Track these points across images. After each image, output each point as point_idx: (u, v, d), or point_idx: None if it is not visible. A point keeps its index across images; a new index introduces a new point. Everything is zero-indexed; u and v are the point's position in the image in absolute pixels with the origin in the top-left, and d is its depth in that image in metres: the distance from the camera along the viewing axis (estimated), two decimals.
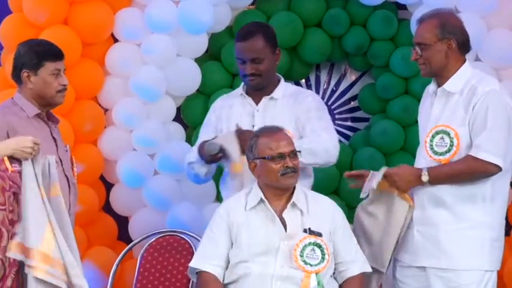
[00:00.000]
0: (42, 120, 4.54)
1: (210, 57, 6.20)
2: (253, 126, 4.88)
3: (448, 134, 4.42)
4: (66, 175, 4.55)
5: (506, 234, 5.87)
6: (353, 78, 6.43)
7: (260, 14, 6.16)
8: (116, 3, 5.90)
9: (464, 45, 4.50)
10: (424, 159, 4.50)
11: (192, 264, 4.47)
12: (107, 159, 5.89)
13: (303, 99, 4.97)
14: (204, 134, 5.05)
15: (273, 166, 4.40)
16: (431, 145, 4.46)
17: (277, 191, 4.44)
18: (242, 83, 5.03)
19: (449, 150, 4.42)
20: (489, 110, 4.36)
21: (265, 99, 4.95)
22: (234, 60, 5.95)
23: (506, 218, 5.84)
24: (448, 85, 4.48)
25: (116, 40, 5.95)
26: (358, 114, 6.45)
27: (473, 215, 4.39)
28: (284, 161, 4.39)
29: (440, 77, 4.49)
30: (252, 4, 6.20)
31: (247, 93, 4.98)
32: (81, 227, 5.56)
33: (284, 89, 5.02)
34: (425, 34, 4.47)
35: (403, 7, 6.14)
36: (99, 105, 5.96)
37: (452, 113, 4.45)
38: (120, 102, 5.89)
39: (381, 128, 6.14)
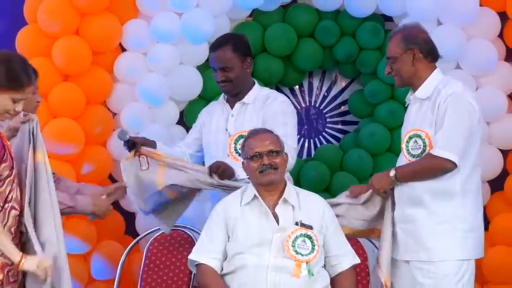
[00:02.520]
0: None
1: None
2: (226, 129, 4.94)
3: (420, 137, 4.47)
4: None
5: (485, 228, 5.91)
6: (343, 84, 6.44)
7: (257, 26, 6.17)
8: (123, 15, 5.89)
9: (430, 53, 4.52)
10: (403, 163, 4.56)
11: (191, 256, 4.49)
12: (116, 160, 5.87)
13: (271, 103, 4.95)
14: (191, 133, 5.18)
15: (252, 164, 4.42)
16: (407, 149, 4.51)
17: (266, 188, 4.44)
18: None
19: (423, 151, 4.47)
20: (448, 110, 4.40)
21: (238, 104, 4.98)
22: None
23: (485, 213, 5.91)
24: (419, 92, 4.53)
25: (123, 49, 5.96)
26: (348, 117, 6.46)
27: (445, 210, 4.42)
28: (261, 160, 4.40)
29: (413, 85, 4.54)
30: (250, 16, 6.21)
31: (227, 99, 5.03)
32: (91, 222, 5.56)
33: (257, 93, 5.02)
34: (392, 48, 4.54)
35: (390, 19, 6.16)
36: (108, 109, 5.95)
37: (423, 117, 4.50)
38: (127, 106, 5.89)
39: (369, 130, 6.16)
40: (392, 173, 4.50)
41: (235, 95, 4.96)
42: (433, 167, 4.41)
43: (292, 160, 4.78)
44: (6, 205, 3.94)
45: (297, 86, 6.41)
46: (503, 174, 6.03)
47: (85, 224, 5.68)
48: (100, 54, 5.86)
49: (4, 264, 3.91)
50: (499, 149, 6.02)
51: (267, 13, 6.15)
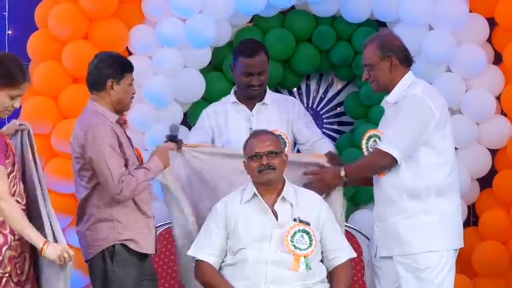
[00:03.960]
0: (119, 124, 4.47)
1: (213, 68, 6.22)
2: (250, 128, 4.93)
3: (379, 137, 4.50)
4: None
5: (474, 224, 5.95)
6: (339, 87, 6.46)
7: (257, 31, 6.19)
8: (130, 20, 5.91)
9: (405, 59, 4.51)
10: None
11: (189, 252, 4.51)
12: None
13: (291, 104, 5.12)
14: (195, 136, 5.11)
15: (251, 164, 4.44)
16: (366, 147, 4.54)
17: (265, 186, 4.45)
18: (232, 92, 5.09)
19: (374, 149, 4.48)
20: (402, 110, 4.41)
21: (258, 105, 5.03)
22: None
23: (474, 209, 5.93)
24: (389, 97, 4.52)
25: (130, 53, 5.96)
26: (343, 118, 6.48)
27: (410, 206, 4.41)
28: (261, 160, 4.41)
29: (388, 90, 4.52)
30: (250, 22, 6.22)
31: (239, 100, 5.05)
32: None
33: (271, 95, 5.12)
34: (369, 56, 4.51)
35: (384, 24, 6.19)
36: None
37: (385, 119, 4.56)
38: (133, 107, 5.77)
39: (363, 131, 6.12)
40: (342, 172, 4.55)
41: (254, 98, 5.02)
42: (377, 161, 4.44)
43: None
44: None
45: (295, 88, 6.43)
46: (492, 172, 6.04)
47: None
48: None
49: (11, 256, 3.92)
50: (488, 149, 6.03)
51: (267, 19, 6.16)
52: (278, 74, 6.18)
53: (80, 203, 4.42)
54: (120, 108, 4.47)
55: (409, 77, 4.51)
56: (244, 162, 4.52)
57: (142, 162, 4.50)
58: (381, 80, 4.51)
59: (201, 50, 5.94)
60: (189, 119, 6.18)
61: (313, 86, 6.46)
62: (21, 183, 4.04)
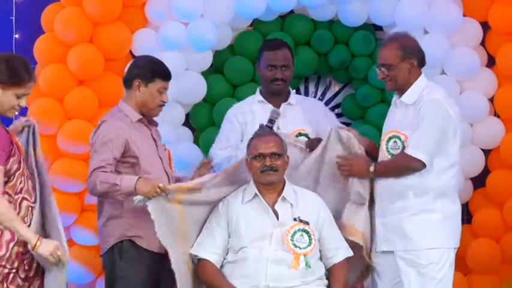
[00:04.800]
0: (143, 124, 4.53)
1: (214, 71, 6.18)
2: (278, 128, 4.93)
3: (399, 138, 4.51)
4: (166, 171, 4.56)
5: (468, 222, 5.96)
6: (337, 89, 6.44)
7: (257, 34, 6.17)
8: (133, 24, 5.88)
9: (422, 61, 4.58)
10: (381, 159, 4.59)
11: (191, 250, 4.51)
12: None
13: (315, 105, 5.20)
14: (231, 138, 5.12)
15: (255, 164, 4.46)
16: (387, 148, 4.54)
17: (266, 186, 4.48)
18: (257, 91, 5.10)
19: (402, 152, 4.50)
20: (426, 114, 4.45)
21: (284, 104, 5.04)
22: (235, 73, 6.06)
23: (468, 208, 5.95)
24: (405, 97, 4.56)
25: (133, 56, 5.95)
26: (341, 119, 6.40)
27: (418, 203, 4.48)
28: (264, 160, 4.43)
29: (403, 90, 4.56)
30: (250, 25, 6.21)
31: (265, 99, 5.07)
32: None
33: (295, 96, 5.17)
34: (389, 56, 4.54)
35: (380, 28, 6.18)
36: None
37: (405, 120, 4.55)
38: None
39: (360, 131, 6.03)
40: (372, 168, 4.53)
41: (279, 95, 5.00)
42: (404, 165, 4.48)
43: None
44: (17, 196, 3.95)
45: (294, 90, 6.41)
46: (485, 172, 6.05)
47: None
48: (112, 60, 5.83)
49: (19, 252, 3.93)
50: (481, 149, 6.04)
51: (267, 23, 6.14)
52: None
53: (98, 199, 4.49)
54: (145, 111, 4.51)
55: (423, 78, 4.58)
56: (246, 160, 4.54)
57: (171, 162, 4.51)
58: (399, 80, 4.54)
59: (202, 53, 5.93)
60: (190, 120, 6.18)
61: (311, 88, 6.45)
62: (29, 180, 4.05)
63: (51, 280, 3.97)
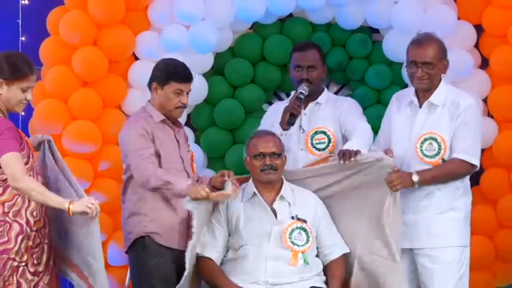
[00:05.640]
0: (167, 125, 4.55)
1: (215, 73, 6.19)
2: (300, 126, 4.95)
3: (436, 140, 4.50)
4: (186, 171, 4.58)
5: None
6: (334, 90, 6.39)
7: (257, 37, 6.18)
8: (136, 27, 5.90)
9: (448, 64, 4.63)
10: (412, 161, 4.54)
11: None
12: None
13: (343, 102, 5.05)
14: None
15: (255, 162, 4.49)
16: (421, 150, 4.52)
17: (265, 185, 4.51)
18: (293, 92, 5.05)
19: (438, 153, 4.51)
20: (470, 119, 4.50)
21: (311, 104, 5.01)
22: (235, 74, 6.06)
23: None
24: (434, 98, 4.56)
25: (136, 58, 5.97)
26: None
27: (445, 201, 4.51)
28: (264, 160, 4.46)
29: (429, 91, 4.57)
30: (250, 28, 6.21)
31: None
32: (107, 214, 5.58)
33: (327, 96, 5.10)
34: (432, 55, 4.53)
35: (376, 31, 6.17)
36: (123, 112, 5.97)
37: (437, 121, 4.54)
38: None
39: None
40: (415, 178, 4.44)
41: (308, 96, 4.94)
42: (457, 171, 4.51)
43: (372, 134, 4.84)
44: None
45: (293, 92, 6.44)
46: (479, 170, 6.03)
47: (101, 216, 5.72)
48: (115, 62, 5.86)
49: (28, 246, 3.98)
50: None
51: (266, 26, 6.15)
52: (277, 78, 6.19)
53: (121, 195, 4.55)
54: (165, 113, 4.54)
55: (445, 81, 4.61)
56: (246, 159, 4.57)
57: (193, 163, 4.54)
58: (435, 79, 4.56)
59: (203, 55, 5.94)
60: (192, 121, 6.20)
61: None
62: (39, 176, 4.10)
63: (85, 233, 4.07)
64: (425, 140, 4.52)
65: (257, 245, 4.43)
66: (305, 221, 4.47)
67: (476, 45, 6.05)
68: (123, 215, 4.54)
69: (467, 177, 4.63)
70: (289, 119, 4.81)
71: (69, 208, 3.89)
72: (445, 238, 4.49)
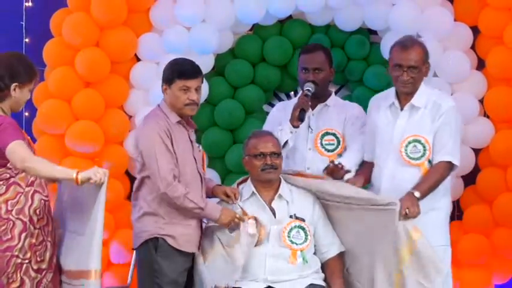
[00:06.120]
0: (182, 126, 4.55)
1: (216, 74, 6.19)
2: (309, 127, 4.97)
3: (420, 142, 4.52)
4: (199, 172, 4.55)
5: (459, 218, 5.99)
6: (333, 90, 6.49)
7: (257, 39, 6.19)
8: (138, 29, 5.90)
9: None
10: (396, 164, 4.56)
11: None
12: (131, 157, 5.94)
13: (349, 109, 5.04)
14: (268, 127, 5.05)
15: (255, 162, 4.51)
16: (406, 153, 4.53)
17: (264, 184, 4.54)
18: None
19: (423, 155, 4.52)
20: (451, 121, 4.53)
21: (320, 106, 5.02)
22: (235, 75, 6.07)
23: (459, 205, 5.97)
24: (415, 100, 4.56)
25: (138, 59, 5.97)
26: None
27: (426, 202, 4.47)
28: (265, 159, 4.49)
29: (412, 93, 4.58)
30: (250, 30, 6.22)
31: None
32: (109, 212, 5.58)
33: (335, 99, 5.13)
34: (417, 58, 4.53)
35: (374, 32, 6.18)
36: (125, 112, 5.99)
37: (419, 123, 4.55)
38: (141, 110, 5.84)
39: None
40: (417, 194, 4.43)
41: (316, 97, 4.96)
42: (446, 173, 4.54)
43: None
44: (28, 188, 4.01)
45: (292, 92, 6.45)
46: (475, 170, 6.07)
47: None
48: (117, 63, 5.88)
49: (32, 244, 3.99)
50: (472, 148, 6.06)
51: (266, 27, 6.15)
52: (277, 78, 6.21)
53: (133, 192, 4.52)
54: (177, 112, 4.50)
55: (424, 83, 4.61)
56: (244, 159, 4.58)
57: (204, 163, 4.54)
58: (418, 82, 4.57)
59: (204, 57, 5.90)
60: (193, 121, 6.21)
61: None
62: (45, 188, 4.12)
63: (93, 201, 3.97)
64: (409, 142, 4.53)
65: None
66: (303, 220, 4.50)
67: (473, 47, 6.06)
68: (135, 212, 4.49)
69: (448, 178, 4.62)
70: (300, 114, 4.81)
71: (77, 178, 3.87)
72: (429, 238, 4.43)
